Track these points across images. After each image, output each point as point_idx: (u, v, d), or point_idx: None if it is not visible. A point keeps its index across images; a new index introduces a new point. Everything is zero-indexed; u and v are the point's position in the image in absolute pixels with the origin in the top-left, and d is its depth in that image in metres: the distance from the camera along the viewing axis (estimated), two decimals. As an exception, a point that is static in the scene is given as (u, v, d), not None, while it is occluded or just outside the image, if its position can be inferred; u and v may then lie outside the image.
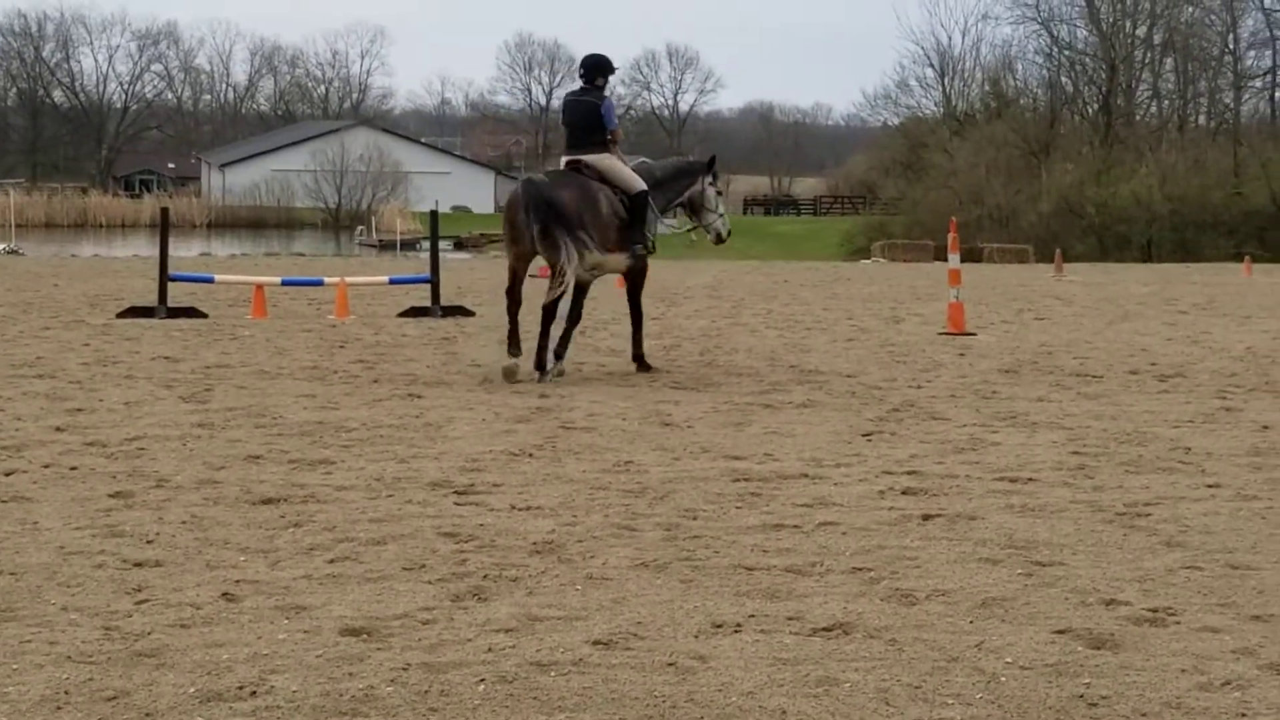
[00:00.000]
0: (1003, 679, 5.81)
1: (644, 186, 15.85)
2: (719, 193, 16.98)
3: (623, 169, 15.89)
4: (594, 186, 15.52)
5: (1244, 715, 5.44)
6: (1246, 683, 5.77)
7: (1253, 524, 8.53)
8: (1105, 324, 22.67)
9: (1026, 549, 7.88)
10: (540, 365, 15.15)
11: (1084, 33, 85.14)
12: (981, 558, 7.69)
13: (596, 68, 16.07)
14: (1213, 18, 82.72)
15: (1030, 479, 9.86)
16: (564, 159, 15.98)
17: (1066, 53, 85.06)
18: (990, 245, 65.49)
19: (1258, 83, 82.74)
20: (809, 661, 5.99)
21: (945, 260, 24.37)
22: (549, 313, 15.22)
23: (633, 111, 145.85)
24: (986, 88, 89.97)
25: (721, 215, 16.83)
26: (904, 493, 9.37)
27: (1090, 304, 27.24)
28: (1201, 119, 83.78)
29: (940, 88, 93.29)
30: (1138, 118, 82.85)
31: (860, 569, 7.46)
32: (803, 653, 6.11)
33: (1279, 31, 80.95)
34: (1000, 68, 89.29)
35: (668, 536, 8.10)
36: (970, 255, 55.24)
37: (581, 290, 15.71)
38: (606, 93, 16.20)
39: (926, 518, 8.62)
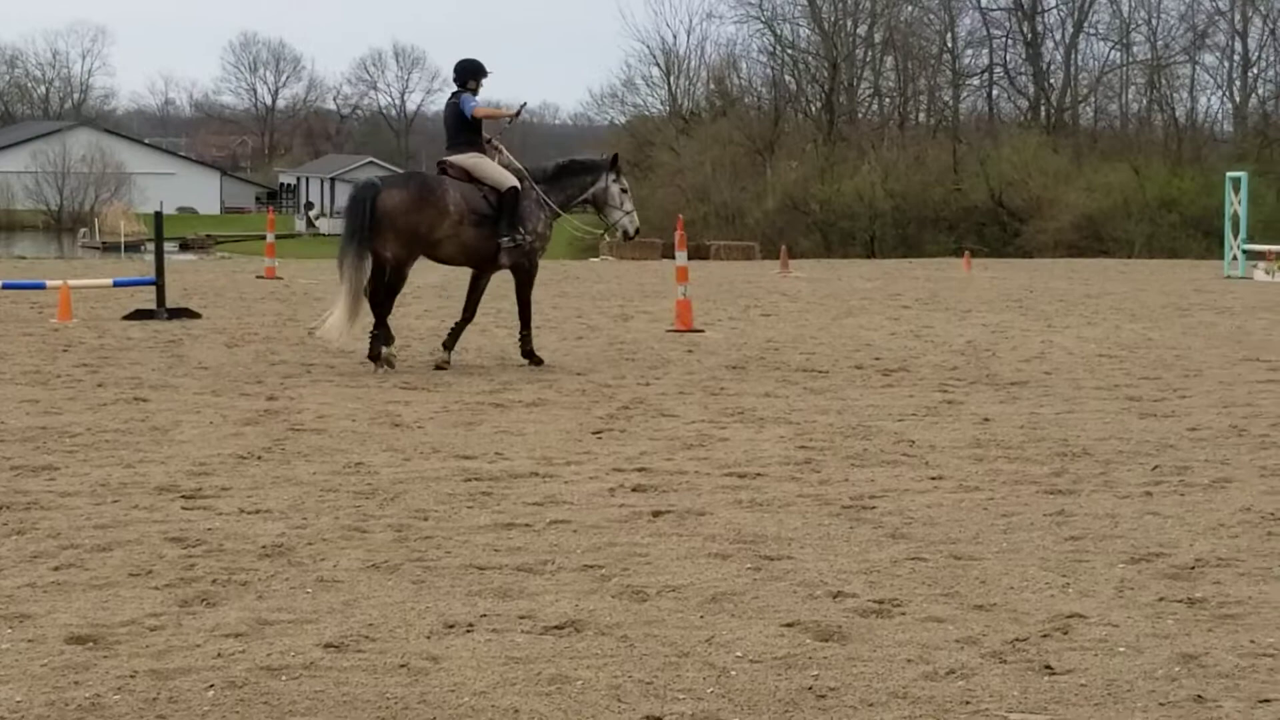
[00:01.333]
0: (733, 673, 5.88)
1: (513, 183, 16.24)
2: (624, 190, 17.18)
3: (490, 166, 16.33)
4: (440, 186, 16.05)
5: (968, 703, 5.58)
6: (970, 671, 5.91)
7: (975, 515, 8.75)
8: (830, 319, 23.06)
9: (755, 543, 7.99)
10: (374, 356, 15.87)
11: (806, 31, 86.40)
12: (711, 553, 7.78)
13: (467, 71, 16.64)
14: (931, 17, 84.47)
15: (758, 474, 9.99)
16: (443, 159, 16.57)
17: (789, 51, 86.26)
18: (717, 242, 66.15)
19: (975, 81, 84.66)
20: (541, 660, 6.01)
21: (673, 258, 24.56)
22: (375, 304, 15.92)
23: (359, 111, 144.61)
24: (711, 86, 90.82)
25: (629, 212, 17.12)
26: (634, 490, 9.44)
27: (815, 300, 27.68)
28: (921, 116, 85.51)
29: (666, 86, 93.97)
30: (860, 115, 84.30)
31: (591, 566, 7.49)
32: (535, 651, 6.12)
33: (995, 30, 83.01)
34: (725, 66, 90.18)
35: (399, 538, 8.07)
36: (697, 252, 55.73)
37: (475, 287, 16.62)
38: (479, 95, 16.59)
39: (656, 514, 8.69)
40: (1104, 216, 63.16)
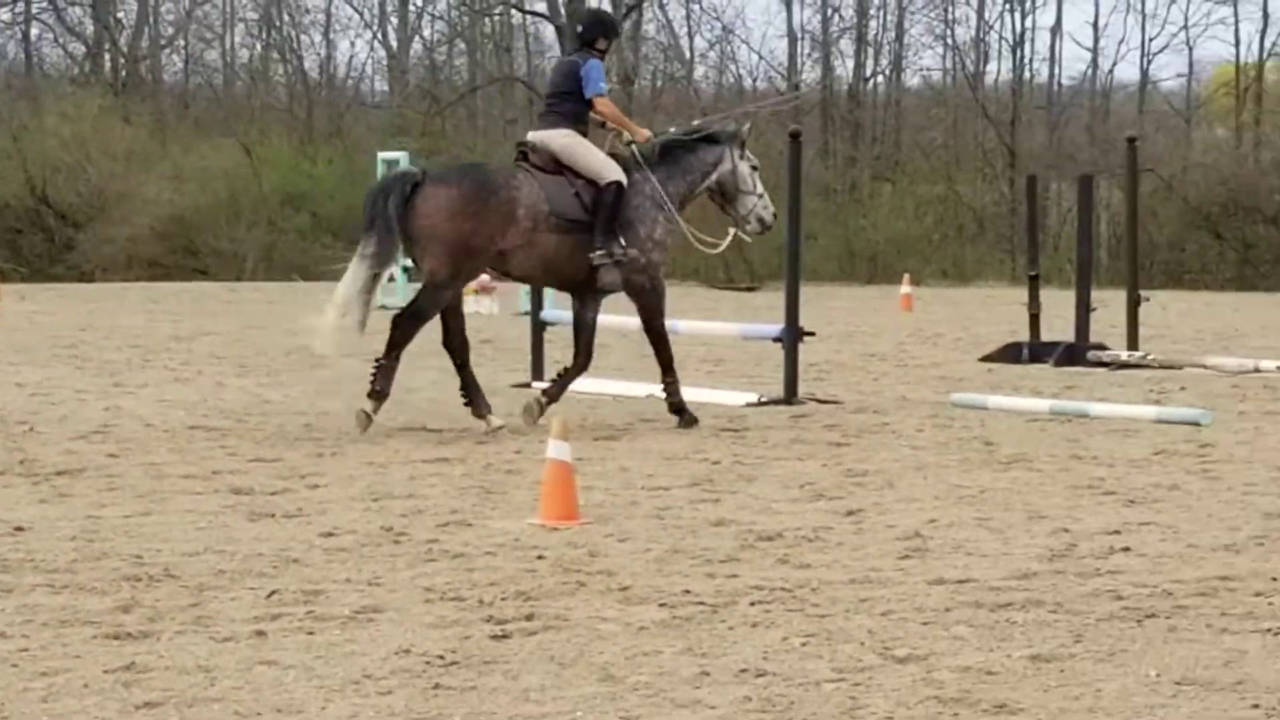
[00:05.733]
0: None
1: (617, 176, 17.83)
2: (754, 167, 18.88)
3: (587, 153, 18.01)
4: (507, 184, 17.61)
5: None
6: None
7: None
8: None
9: None
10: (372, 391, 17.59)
11: None
12: None
13: (599, 25, 18.86)
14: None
15: None
16: (529, 135, 18.52)
17: None
18: None
19: (3, 14, 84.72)
20: None
21: None
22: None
23: None
24: None
25: (761, 195, 18.90)
26: None
27: None
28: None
29: None
30: None
31: None
32: None
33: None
34: None
35: None
36: None
37: (580, 322, 18.60)
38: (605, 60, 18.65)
39: None
40: (201, 219, 63.83)
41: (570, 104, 18.13)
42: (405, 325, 17.63)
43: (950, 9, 68.04)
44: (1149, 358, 25.00)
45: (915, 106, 69.61)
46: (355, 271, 17.35)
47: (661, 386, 18.50)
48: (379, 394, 17.48)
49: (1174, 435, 17.67)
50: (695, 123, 20.27)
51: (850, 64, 67.46)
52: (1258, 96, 64.88)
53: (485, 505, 13.70)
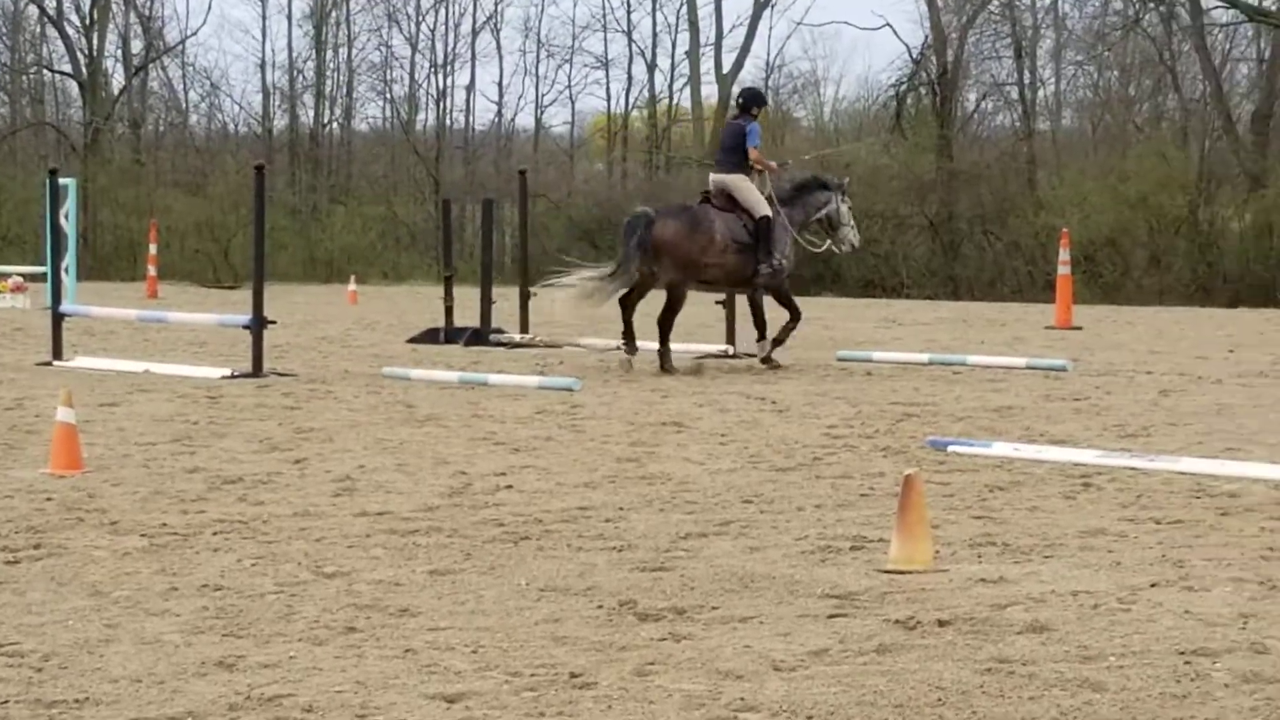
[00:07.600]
0: None
1: (766, 212, 20.56)
2: (850, 207, 21.84)
3: (751, 190, 20.76)
4: (708, 217, 20.58)
5: None
6: None
7: None
8: None
9: None
10: (664, 368, 20.49)
11: None
12: None
13: (755, 99, 21.96)
14: None
15: None
16: (710, 177, 21.30)
17: None
18: None
19: None
20: None
21: None
22: (663, 326, 20.73)
23: None
24: None
25: (852, 226, 21.83)
26: None
27: None
28: None
29: None
30: None
31: None
32: None
33: None
34: None
35: None
36: None
37: (756, 305, 21.10)
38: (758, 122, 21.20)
39: None
40: None
41: (738, 156, 20.81)
42: (665, 319, 20.63)
43: (388, 71, 67.48)
44: (536, 339, 25.15)
45: (363, 146, 68.97)
46: (606, 286, 20.44)
47: (784, 327, 21.15)
48: (668, 369, 20.37)
49: (552, 399, 17.78)
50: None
51: (312, 113, 66.60)
52: (624, 139, 65.59)
53: (7, 459, 13.30)
